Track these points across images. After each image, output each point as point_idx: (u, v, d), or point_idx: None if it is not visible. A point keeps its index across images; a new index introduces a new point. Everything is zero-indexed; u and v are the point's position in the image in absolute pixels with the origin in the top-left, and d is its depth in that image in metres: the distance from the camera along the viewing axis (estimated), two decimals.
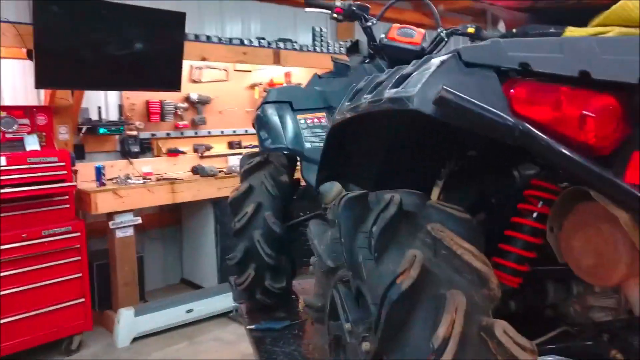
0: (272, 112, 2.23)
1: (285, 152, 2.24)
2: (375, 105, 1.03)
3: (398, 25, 2.27)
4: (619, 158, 0.81)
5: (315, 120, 2.23)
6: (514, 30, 1.09)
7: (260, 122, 2.23)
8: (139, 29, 3.67)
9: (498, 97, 0.83)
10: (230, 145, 5.20)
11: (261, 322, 2.32)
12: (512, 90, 0.83)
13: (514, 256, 1.13)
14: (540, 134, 0.80)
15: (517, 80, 0.83)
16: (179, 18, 3.88)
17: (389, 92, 0.97)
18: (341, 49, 5.64)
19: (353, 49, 2.51)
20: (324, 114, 2.26)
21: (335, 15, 2.29)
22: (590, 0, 0.99)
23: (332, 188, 2.12)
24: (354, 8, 2.28)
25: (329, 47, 5.48)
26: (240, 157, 2.65)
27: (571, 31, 0.99)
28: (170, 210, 4.74)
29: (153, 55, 3.77)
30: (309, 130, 2.20)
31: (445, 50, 2.33)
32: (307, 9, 2.38)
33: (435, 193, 1.44)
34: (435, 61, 0.89)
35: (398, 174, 1.43)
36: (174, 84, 4.01)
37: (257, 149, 2.49)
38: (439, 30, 2.26)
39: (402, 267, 0.91)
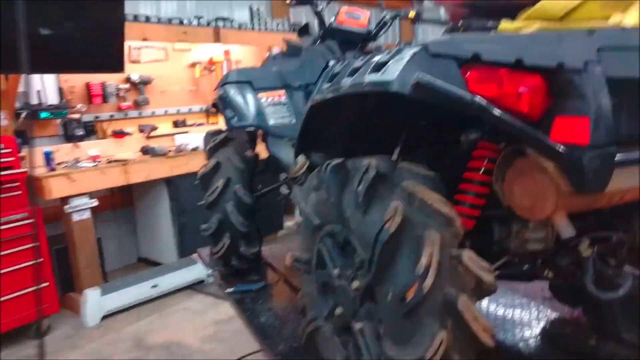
0: (234, 92, 2.38)
1: (251, 128, 2.40)
2: (357, 88, 1.26)
3: (346, 8, 2.48)
4: (545, 123, 1.10)
5: (276, 98, 2.41)
6: (459, 23, 1.34)
7: (225, 102, 2.38)
8: (77, 10, 3.59)
9: (458, 80, 1.08)
10: (175, 124, 5.22)
11: (238, 286, 2.53)
12: (467, 74, 1.08)
13: (467, 204, 1.41)
14: (490, 107, 1.07)
15: (471, 66, 1.08)
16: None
17: (370, 77, 1.20)
18: (278, 26, 5.76)
19: (304, 31, 2.70)
20: (282, 91, 2.45)
21: (288, 1, 2.45)
22: (517, 0, 1.26)
23: (298, 160, 2.34)
24: None
25: (267, 25, 5.57)
26: (204, 135, 2.78)
27: (504, 24, 1.25)
28: (121, 192, 4.75)
29: (94, 37, 3.71)
30: (270, 107, 2.38)
31: (387, 31, 2.58)
32: None
33: (394, 157, 1.71)
34: (408, 52, 1.12)
35: (362, 143, 1.67)
36: (117, 66, 3.96)
37: (213, 127, 2.63)
38: (383, 14, 2.48)
39: (388, 215, 1.16)
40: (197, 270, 4.27)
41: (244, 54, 5.83)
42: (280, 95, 2.40)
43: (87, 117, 4.46)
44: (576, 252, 1.44)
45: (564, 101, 1.07)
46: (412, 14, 2.49)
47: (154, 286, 4.03)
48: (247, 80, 2.41)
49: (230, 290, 2.50)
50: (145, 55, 4.86)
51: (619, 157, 1.08)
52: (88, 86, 4.43)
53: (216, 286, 4.19)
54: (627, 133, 1.13)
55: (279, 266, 2.79)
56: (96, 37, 3.74)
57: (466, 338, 1.12)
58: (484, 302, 2.18)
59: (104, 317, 3.80)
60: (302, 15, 6.30)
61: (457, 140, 1.62)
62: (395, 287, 1.14)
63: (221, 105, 2.39)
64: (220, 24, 5.10)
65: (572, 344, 1.81)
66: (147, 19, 4.44)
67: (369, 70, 1.23)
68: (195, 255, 4.21)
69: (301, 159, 2.30)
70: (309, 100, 1.66)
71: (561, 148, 1.07)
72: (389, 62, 1.17)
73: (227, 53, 5.63)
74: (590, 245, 1.44)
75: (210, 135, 2.67)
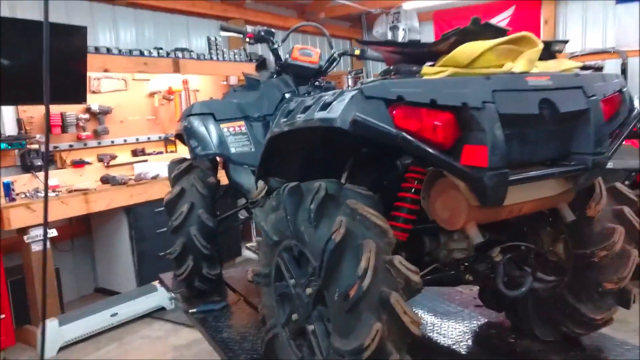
0: (198, 124, 2.58)
1: (214, 156, 2.60)
2: (308, 122, 1.50)
3: (299, 46, 2.75)
4: (456, 150, 1.38)
5: (237, 128, 2.63)
6: (391, 68, 1.62)
7: (189, 133, 2.57)
8: (40, 44, 3.70)
9: (386, 117, 1.34)
10: (134, 152, 5.31)
11: (200, 306, 2.67)
12: (394, 112, 1.35)
13: (401, 219, 1.66)
14: (412, 138, 1.34)
15: (396, 105, 1.35)
16: (81, 31, 3.98)
17: (319, 114, 1.44)
18: (235, 56, 6.01)
19: (261, 65, 2.95)
20: (242, 122, 2.66)
21: (247, 39, 2.70)
22: (436, 48, 1.55)
23: (258, 185, 2.55)
24: (262, 33, 2.72)
25: (224, 55, 5.82)
26: (169, 163, 2.94)
27: (426, 69, 1.54)
28: (79, 222, 4.76)
29: (57, 69, 3.81)
30: (232, 137, 2.59)
31: (336, 67, 2.87)
32: (222, 33, 2.76)
33: (343, 179, 1.96)
34: (348, 95, 1.38)
35: (314, 170, 1.91)
36: (80, 97, 4.09)
37: (172, 155, 2.78)
38: (332, 51, 2.77)
39: (334, 227, 1.39)
40: (156, 298, 4.33)
41: (202, 83, 6.04)
42: (241, 125, 2.62)
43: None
44: (490, 259, 1.73)
45: (469, 132, 1.36)
46: (357, 52, 2.80)
47: (114, 315, 4.06)
48: (210, 112, 2.62)
49: (193, 310, 2.64)
50: (105, 85, 4.97)
51: (512, 176, 1.37)
52: None
53: (176, 312, 4.28)
54: (518, 157, 1.43)
55: (239, 287, 2.96)
56: (59, 69, 3.85)
57: (398, 329, 1.35)
58: (425, 310, 2.44)
59: (62, 348, 3.79)
60: (258, 46, 6.61)
61: (394, 165, 1.90)
62: (340, 287, 1.37)
63: (186, 135, 2.58)
64: (180, 54, 5.30)
65: (495, 342, 2.08)
66: (108, 50, 4.59)
67: (318, 108, 1.48)
68: (155, 283, 4.31)
69: (260, 184, 2.53)
70: (268, 132, 1.88)
71: (468, 170, 1.35)
72: (333, 102, 1.42)
73: (185, 82, 5.81)
74: (500, 253, 1.73)
75: (174, 164, 2.84)
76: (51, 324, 3.73)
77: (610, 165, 3.84)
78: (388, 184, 1.85)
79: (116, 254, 4.67)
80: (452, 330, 2.21)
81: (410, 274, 1.39)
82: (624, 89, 1.72)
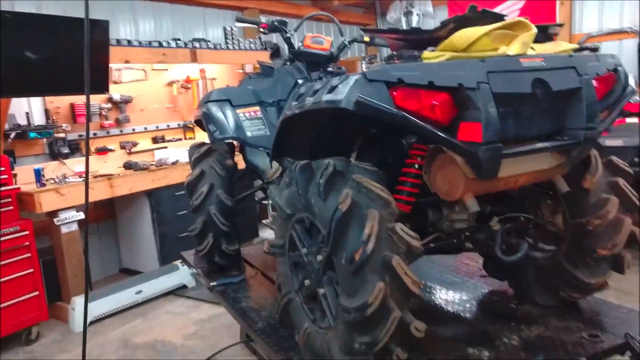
0: (216, 109, 2.74)
1: (231, 140, 2.75)
2: (316, 105, 1.64)
3: (311, 34, 2.88)
4: (453, 127, 1.50)
5: (252, 113, 2.78)
6: (395, 53, 1.74)
7: (208, 118, 2.73)
8: (66, 38, 3.90)
9: (387, 98, 1.47)
10: (154, 140, 5.52)
11: (220, 279, 2.85)
12: (394, 93, 1.48)
13: (405, 192, 1.80)
14: (411, 117, 1.46)
15: (397, 87, 1.48)
16: (104, 25, 4.16)
17: (326, 97, 1.58)
18: (250, 45, 6.15)
19: (275, 54, 3.08)
20: (258, 107, 2.82)
21: (261, 29, 2.83)
22: (436, 34, 1.67)
23: (272, 166, 2.71)
24: (276, 23, 2.85)
25: (240, 45, 5.95)
26: (188, 148, 3.11)
27: (426, 54, 1.66)
28: (104, 206, 5.00)
29: (80, 61, 3.99)
30: (248, 122, 2.74)
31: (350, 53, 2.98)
32: (238, 24, 2.89)
33: (352, 158, 2.09)
34: (352, 78, 1.51)
35: (324, 148, 2.04)
36: (102, 87, 4.29)
37: (190, 142, 2.91)
38: (342, 39, 2.89)
39: (341, 199, 1.53)
40: (178, 276, 4.55)
41: (218, 72, 6.20)
42: (256, 111, 2.77)
43: (71, 136, 4.72)
44: (489, 228, 1.86)
45: (464, 111, 1.48)
46: (366, 38, 2.91)
47: (139, 292, 4.29)
48: (227, 98, 2.77)
49: (214, 283, 2.82)
50: (125, 76, 5.17)
51: (504, 150, 1.49)
52: (72, 106, 4.70)
53: (197, 289, 4.50)
54: (513, 133, 1.55)
55: (256, 263, 3.13)
56: (83, 61, 4.03)
57: (400, 289, 1.49)
58: (434, 281, 2.57)
59: (91, 323, 4.03)
60: (272, 35, 6.74)
61: (400, 144, 2.03)
62: (347, 252, 1.51)
63: (205, 120, 2.74)
64: (197, 44, 5.46)
65: (498, 307, 2.21)
66: (129, 43, 4.78)
67: (325, 91, 1.62)
68: (176, 262, 4.53)
69: (275, 165, 2.69)
70: (281, 115, 2.02)
71: (464, 145, 1.48)
72: (339, 85, 1.56)
73: (202, 71, 5.98)
74: (499, 223, 1.85)
75: (194, 148, 3.01)
76: (80, 300, 3.97)
77: (619, 142, 3.91)
78: (394, 162, 1.98)
79: (139, 236, 4.90)
80: (459, 297, 2.35)
81: (411, 239, 1.52)
82: (619, 68, 1.82)
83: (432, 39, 1.73)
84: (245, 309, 2.50)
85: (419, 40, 1.76)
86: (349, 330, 1.55)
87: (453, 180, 1.61)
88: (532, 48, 1.72)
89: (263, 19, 2.86)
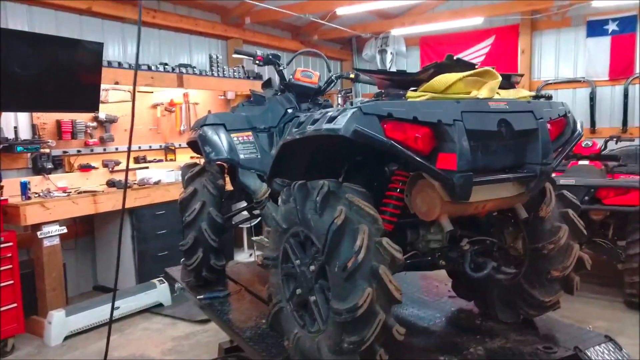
0: (212, 132, 2.95)
1: (225, 162, 2.95)
2: (317, 132, 1.88)
3: (300, 68, 3.15)
4: (432, 156, 1.77)
5: (245, 137, 3.00)
6: (383, 91, 2.01)
7: (204, 140, 2.93)
8: (62, 57, 4.06)
9: (379, 129, 1.72)
10: (136, 160, 5.64)
11: (207, 294, 3.00)
12: (385, 125, 1.73)
13: (388, 213, 2.04)
14: (399, 146, 1.72)
15: (387, 121, 1.74)
16: (98, 47, 4.34)
17: (326, 125, 1.82)
18: (234, 73, 6.41)
19: (267, 84, 3.33)
20: (250, 132, 3.04)
21: (257, 61, 3.09)
22: (418, 77, 1.96)
23: (262, 187, 2.93)
24: (270, 57, 3.11)
25: (225, 72, 6.21)
26: (181, 167, 3.29)
27: (410, 93, 1.94)
28: (83, 222, 5.05)
29: (74, 80, 4.18)
30: (241, 145, 2.96)
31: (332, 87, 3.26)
32: (235, 55, 3.14)
33: (340, 180, 2.33)
34: (350, 111, 1.76)
35: (316, 171, 2.27)
36: (93, 106, 4.44)
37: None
38: (330, 74, 3.17)
39: (336, 214, 1.76)
40: (155, 294, 4.63)
41: (201, 97, 6.42)
42: (249, 135, 2.99)
43: (55, 152, 4.81)
44: (460, 248, 2.12)
45: (442, 143, 1.75)
46: (352, 75, 3.21)
47: (116, 308, 4.33)
48: (222, 122, 2.98)
49: (201, 297, 2.97)
50: (112, 96, 5.31)
51: (475, 178, 1.77)
52: (59, 123, 4.81)
53: (174, 308, 4.58)
54: (481, 164, 1.83)
55: (239, 279, 3.30)
56: (76, 80, 4.20)
57: (384, 294, 1.72)
58: (408, 301, 2.80)
59: (67, 337, 4.06)
60: (254, 65, 7.06)
61: (383, 170, 2.29)
62: (340, 261, 1.73)
63: (201, 142, 2.93)
64: (183, 70, 5.67)
65: (464, 323, 2.45)
66: (119, 65, 4.95)
67: (325, 121, 1.86)
68: (155, 280, 4.61)
69: (264, 187, 2.91)
70: (281, 139, 2.24)
71: (442, 172, 1.74)
72: (338, 117, 1.80)
73: (186, 96, 6.19)
74: (468, 244, 2.12)
75: (187, 167, 3.19)
76: (58, 314, 4.00)
77: (571, 181, 4.31)
78: (377, 185, 2.23)
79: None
80: (430, 314, 2.58)
81: (395, 252, 1.75)
82: (569, 114, 2.15)
83: (414, 81, 2.01)
84: (232, 320, 2.66)
85: (404, 81, 2.05)
86: (339, 331, 1.76)
87: (431, 203, 1.87)
88: (497, 93, 2.03)
89: (259, 52, 3.12)
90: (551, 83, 7.91)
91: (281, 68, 3.15)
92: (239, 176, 2.95)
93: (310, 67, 8.23)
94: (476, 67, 1.99)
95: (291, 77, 3.11)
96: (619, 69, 7.36)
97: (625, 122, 7.37)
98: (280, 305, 2.16)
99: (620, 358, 2.19)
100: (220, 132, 2.96)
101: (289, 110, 3.08)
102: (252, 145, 2.98)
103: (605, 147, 5.59)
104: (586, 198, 4.32)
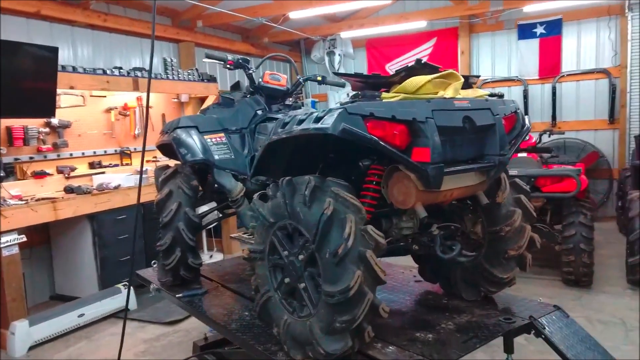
0: (186, 135, 3.02)
1: (201, 162, 3.02)
2: (305, 131, 2.04)
3: (269, 72, 3.28)
4: (408, 150, 1.98)
5: (218, 139, 3.10)
6: (359, 92, 2.21)
7: (178, 142, 3.00)
8: (16, 62, 3.95)
9: (362, 127, 1.91)
10: (91, 165, 5.53)
11: (185, 292, 3.08)
12: (368, 123, 1.92)
13: (366, 204, 2.22)
14: (380, 141, 1.92)
15: (369, 119, 1.93)
16: (53, 51, 4.25)
17: (314, 125, 1.98)
18: (188, 76, 6.41)
19: (235, 87, 3.44)
20: (222, 134, 3.14)
21: (228, 65, 3.20)
22: (390, 80, 2.17)
23: (237, 186, 3.04)
24: (240, 61, 3.23)
25: (179, 75, 6.20)
26: (154, 169, 3.33)
27: (384, 95, 2.14)
28: (37, 231, 4.91)
29: (28, 85, 4.08)
30: (214, 146, 3.05)
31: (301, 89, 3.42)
32: (206, 60, 3.23)
33: None
34: (336, 111, 1.94)
35: (294, 170, 2.43)
36: (49, 111, 4.34)
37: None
38: (298, 77, 3.34)
39: (325, 206, 1.93)
40: (120, 299, 4.59)
41: (155, 101, 6.37)
42: (221, 136, 3.09)
43: (6, 159, 4.65)
44: (430, 233, 2.35)
45: (417, 138, 1.96)
46: (319, 78, 3.38)
47: (80, 315, 4.29)
48: (194, 125, 3.07)
49: (180, 295, 3.04)
50: (65, 100, 5.18)
51: (446, 169, 1.99)
52: (10, 129, 4.65)
53: (140, 311, 4.57)
54: (450, 156, 2.06)
55: (214, 277, 3.39)
56: (30, 86, 4.11)
57: (371, 276, 1.91)
58: (384, 288, 3.00)
59: (31, 348, 3.97)
60: (206, 66, 7.09)
61: (357, 165, 2.48)
62: (331, 248, 1.91)
63: (175, 144, 3.00)
64: (138, 73, 5.63)
65: (432, 303, 2.70)
66: (74, 69, 4.85)
67: (312, 121, 2.03)
68: (119, 285, 4.58)
69: (239, 186, 3.03)
70: (265, 139, 2.38)
71: (417, 164, 1.96)
72: (325, 117, 1.97)
73: (139, 99, 6.12)
74: (437, 229, 2.35)
75: (160, 170, 3.24)
76: (21, 324, 3.91)
77: (514, 172, 4.71)
78: (354, 179, 2.42)
79: (78, 261, 4.86)
80: (401, 297, 2.81)
81: (379, 237, 1.95)
82: (518, 110, 2.44)
83: (387, 83, 2.23)
84: (216, 314, 2.76)
85: (377, 83, 2.25)
86: (331, 312, 1.93)
87: (407, 192, 2.08)
88: (459, 93, 2.28)
89: (229, 56, 3.23)
90: (489, 82, 8.47)
91: (250, 72, 3.27)
92: (214, 176, 3.04)
93: (275, 69, 8.39)
94: (440, 69, 2.23)
95: (260, 80, 3.24)
96: (548, 69, 8.02)
97: (554, 117, 8.04)
98: (268, 295, 2.30)
99: (567, 323, 2.52)
100: (193, 134, 3.05)
101: (259, 112, 3.21)
102: (226, 146, 3.08)
103: (540, 140, 6.13)
104: (527, 186, 4.73)
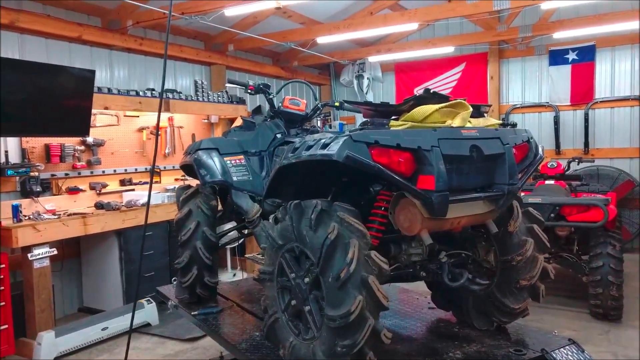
0: (207, 156, 3.14)
1: (219, 184, 3.13)
2: (312, 157, 2.10)
3: (289, 97, 3.38)
4: (413, 178, 2.01)
5: (237, 160, 3.20)
6: (368, 120, 2.26)
7: (199, 163, 3.12)
8: (56, 84, 4.21)
9: (367, 154, 1.96)
10: (122, 182, 5.75)
11: (200, 310, 3.15)
12: (372, 151, 1.97)
13: (374, 229, 2.26)
14: (384, 169, 1.96)
15: (374, 147, 1.98)
16: (90, 74, 4.51)
17: (321, 151, 2.05)
18: (218, 98, 6.62)
19: (257, 111, 3.56)
20: (242, 156, 3.24)
21: (249, 90, 3.32)
22: (399, 108, 2.22)
23: (254, 207, 3.12)
24: (261, 86, 3.35)
25: (209, 97, 6.42)
26: (175, 188, 3.45)
27: (392, 122, 2.19)
28: (69, 245, 5.12)
29: (66, 106, 4.32)
30: (233, 168, 3.16)
31: (318, 114, 3.50)
32: (229, 85, 3.36)
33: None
34: (342, 139, 1.99)
35: (306, 192, 2.49)
36: (84, 130, 4.58)
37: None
38: (316, 102, 3.42)
39: (329, 230, 1.98)
40: (143, 314, 4.71)
41: (185, 121, 6.60)
42: (240, 159, 3.19)
43: (43, 175, 4.90)
44: (438, 261, 2.35)
45: (422, 166, 2.00)
46: (337, 103, 3.46)
47: (104, 328, 4.42)
48: (215, 147, 3.18)
49: (195, 313, 3.12)
50: (99, 120, 5.44)
51: (451, 197, 2.01)
52: (48, 147, 4.91)
53: (161, 327, 4.67)
54: (456, 184, 2.08)
55: (230, 296, 3.46)
56: (68, 106, 4.35)
57: (373, 301, 1.93)
58: (391, 312, 3.00)
59: (56, 359, 4.11)
60: (237, 90, 7.30)
61: (368, 190, 2.52)
62: (333, 271, 1.94)
63: (196, 165, 3.12)
64: (170, 95, 5.86)
65: (443, 330, 2.68)
66: (109, 90, 5.12)
67: (319, 147, 2.09)
68: (142, 300, 4.70)
69: (256, 207, 3.10)
70: (277, 163, 2.46)
71: (422, 192, 1.98)
72: (331, 144, 2.03)
73: (170, 119, 6.36)
74: (446, 256, 2.36)
75: (181, 189, 3.36)
76: (47, 335, 4.06)
77: (538, 199, 4.63)
78: (363, 203, 2.45)
79: (105, 275, 5.03)
80: (412, 323, 2.80)
81: (382, 263, 1.97)
82: (531, 140, 2.43)
83: (396, 111, 2.27)
84: (227, 333, 2.82)
85: (387, 111, 2.30)
86: (332, 336, 1.96)
87: (412, 219, 2.10)
88: (469, 122, 2.30)
89: (251, 82, 3.35)
90: (518, 107, 8.38)
91: (271, 96, 3.38)
92: (232, 197, 3.13)
93: (297, 94, 8.57)
94: (449, 99, 2.26)
95: (280, 104, 3.34)
96: (580, 95, 7.87)
97: (587, 144, 7.85)
98: (276, 316, 2.34)
99: (582, 358, 2.44)
100: (214, 156, 3.16)
101: (278, 135, 3.31)
102: (244, 168, 3.18)
103: (569, 167, 6.00)
104: (552, 215, 4.64)
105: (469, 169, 2.14)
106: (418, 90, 9.20)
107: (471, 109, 2.24)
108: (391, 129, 2.14)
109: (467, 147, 2.09)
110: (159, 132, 6.20)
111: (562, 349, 2.44)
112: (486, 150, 2.15)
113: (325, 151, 2.04)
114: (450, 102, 2.21)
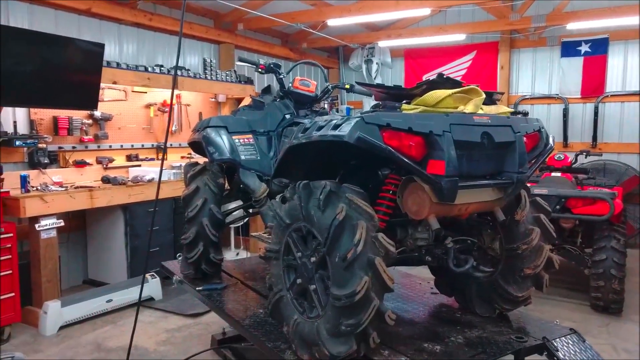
0: (215, 134, 3.14)
1: (227, 162, 3.14)
2: (323, 137, 2.10)
3: (299, 77, 3.37)
4: (423, 162, 2.01)
5: (245, 139, 3.20)
6: (380, 103, 2.25)
7: (207, 141, 3.13)
8: (65, 56, 4.19)
9: (378, 137, 1.96)
10: (129, 157, 5.77)
11: (205, 286, 3.19)
12: (384, 133, 1.97)
13: (381, 212, 2.27)
14: (395, 152, 1.96)
15: (385, 129, 1.97)
16: (100, 48, 4.49)
17: (332, 132, 2.04)
18: (226, 77, 6.59)
19: (266, 90, 3.55)
20: (250, 135, 3.24)
21: (260, 69, 3.30)
22: (412, 92, 2.21)
23: (261, 186, 3.13)
24: (272, 65, 3.33)
25: (217, 76, 6.39)
26: (182, 166, 3.47)
27: (404, 106, 2.18)
28: (75, 217, 5.16)
29: (74, 79, 4.32)
30: (242, 147, 3.16)
31: (328, 97, 3.49)
32: (239, 63, 3.35)
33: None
34: (354, 120, 1.99)
35: (315, 174, 2.50)
36: (92, 104, 4.57)
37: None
38: (327, 84, 3.41)
39: (338, 210, 1.99)
40: (147, 288, 4.76)
41: (193, 99, 6.58)
42: (249, 138, 3.20)
43: (51, 147, 4.91)
44: (444, 246, 2.36)
45: (433, 151, 1.99)
46: (347, 86, 3.44)
47: (109, 301, 4.48)
48: (224, 125, 3.18)
49: (200, 288, 3.15)
50: (107, 94, 5.44)
51: (460, 183, 2.01)
52: (56, 119, 4.92)
53: (165, 302, 4.73)
54: (466, 171, 2.08)
55: (235, 274, 3.49)
56: (76, 79, 4.34)
57: (379, 283, 1.95)
58: (395, 296, 3.03)
59: (61, 328, 4.17)
60: (244, 69, 7.26)
61: (377, 174, 2.52)
62: (341, 251, 1.96)
63: (204, 143, 3.12)
64: (179, 72, 5.84)
65: (445, 316, 2.70)
66: (118, 65, 5.10)
67: (330, 128, 2.09)
68: (147, 275, 4.75)
69: (263, 186, 3.11)
70: (287, 143, 2.46)
71: (431, 176, 1.99)
72: (342, 125, 2.03)
73: (178, 97, 6.35)
74: (452, 242, 2.37)
75: (189, 166, 3.37)
76: (54, 304, 4.12)
77: (544, 191, 4.62)
78: (372, 187, 2.46)
79: (110, 248, 5.08)
80: (415, 307, 2.83)
81: (389, 246, 1.98)
82: (542, 129, 2.42)
83: (408, 95, 2.26)
84: (231, 309, 2.85)
85: (399, 95, 2.29)
86: (337, 315, 1.98)
87: (421, 203, 2.11)
88: (481, 108, 2.29)
89: (261, 61, 3.33)
90: (528, 98, 8.32)
91: (281, 76, 3.36)
92: (239, 176, 3.14)
93: (306, 75, 8.52)
94: (462, 85, 2.25)
95: (290, 85, 3.33)
96: (591, 88, 7.80)
97: (595, 137, 7.81)
98: (281, 294, 2.37)
99: (583, 348, 2.47)
100: (222, 134, 3.16)
101: (287, 116, 3.30)
102: (253, 147, 3.18)
103: (576, 160, 5.98)
104: (557, 207, 4.63)
105: (479, 156, 2.13)
106: (428, 77, 9.18)
107: (484, 96, 2.23)
108: (403, 112, 2.13)
109: (478, 133, 2.09)
110: (171, 109, 6.19)
111: (563, 337, 2.46)
112: (497, 138, 2.14)
113: (336, 132, 2.03)
114: (464, 87, 2.20)
